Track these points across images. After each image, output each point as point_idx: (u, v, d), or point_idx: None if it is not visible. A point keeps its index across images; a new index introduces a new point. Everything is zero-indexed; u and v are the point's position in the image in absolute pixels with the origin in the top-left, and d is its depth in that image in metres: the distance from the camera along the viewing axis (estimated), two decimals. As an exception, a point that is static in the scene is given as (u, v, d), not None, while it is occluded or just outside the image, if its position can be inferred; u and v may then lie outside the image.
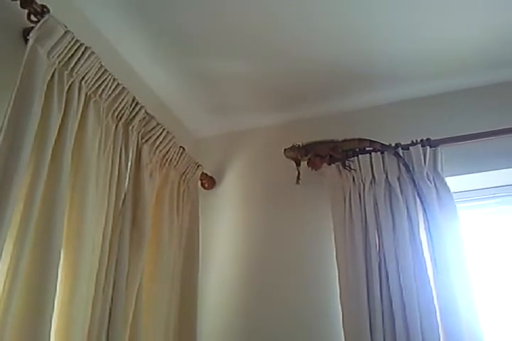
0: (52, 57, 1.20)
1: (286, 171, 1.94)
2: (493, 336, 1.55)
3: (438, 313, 1.45)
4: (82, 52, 1.27)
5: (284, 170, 1.95)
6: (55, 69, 1.21)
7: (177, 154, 1.72)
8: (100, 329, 1.24)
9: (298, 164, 1.86)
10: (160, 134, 1.60)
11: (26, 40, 1.17)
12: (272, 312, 1.74)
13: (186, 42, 1.70)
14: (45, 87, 1.17)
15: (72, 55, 1.25)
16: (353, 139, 1.79)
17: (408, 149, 1.71)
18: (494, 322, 1.60)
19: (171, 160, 1.69)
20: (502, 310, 1.64)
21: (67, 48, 1.23)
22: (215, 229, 1.96)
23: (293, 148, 1.84)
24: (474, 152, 1.73)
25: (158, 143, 1.60)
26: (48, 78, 1.18)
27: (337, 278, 1.59)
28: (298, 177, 1.85)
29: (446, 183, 1.65)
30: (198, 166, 1.88)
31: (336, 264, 1.62)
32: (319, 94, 1.95)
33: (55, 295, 1.09)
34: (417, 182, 1.64)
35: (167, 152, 1.66)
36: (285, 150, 1.85)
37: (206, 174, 2.00)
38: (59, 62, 1.22)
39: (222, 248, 1.92)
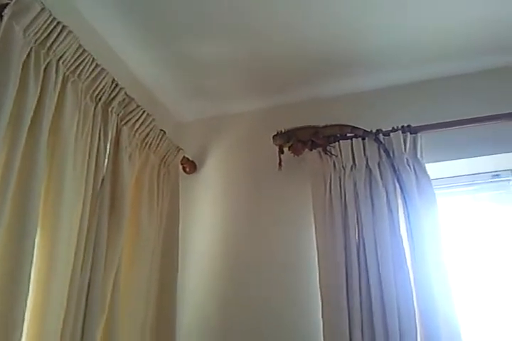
0: (28, 35, 1.17)
1: (268, 157, 1.94)
2: (467, 320, 1.57)
3: (415, 297, 1.47)
4: (60, 31, 1.24)
5: (265, 156, 1.95)
6: (31, 48, 1.18)
7: (157, 137, 1.70)
8: (77, 311, 1.23)
9: (281, 151, 1.86)
10: (140, 117, 1.58)
11: (1, 17, 1.13)
12: (250, 295, 1.75)
13: (168, 24, 1.67)
14: (21, 65, 1.14)
15: (50, 34, 1.22)
16: (335, 125, 1.79)
17: (389, 135, 1.72)
18: (469, 307, 1.63)
19: (151, 143, 1.68)
20: (477, 295, 1.67)
21: (44, 26, 1.20)
22: (196, 213, 1.96)
23: (277, 135, 1.84)
24: (453, 139, 1.75)
25: (138, 125, 1.58)
26: (24, 57, 1.15)
27: (316, 262, 1.60)
28: (280, 164, 1.84)
29: (425, 169, 1.67)
30: (179, 150, 1.87)
31: (315, 249, 1.63)
32: (301, 80, 1.95)
33: (29, 278, 1.07)
34: (396, 168, 1.65)
35: (147, 135, 1.64)
36: (274, 137, 1.84)
37: (187, 158, 1.99)
38: (35, 41, 1.19)
39: (203, 233, 1.92)
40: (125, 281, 1.44)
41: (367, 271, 1.52)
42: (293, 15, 1.63)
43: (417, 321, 1.44)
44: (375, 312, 1.46)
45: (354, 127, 1.76)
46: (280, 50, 1.79)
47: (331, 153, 1.73)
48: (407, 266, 1.51)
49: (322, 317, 1.52)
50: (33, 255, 1.09)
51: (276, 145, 1.85)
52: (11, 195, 1.07)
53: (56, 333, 1.15)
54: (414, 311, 1.45)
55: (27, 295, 1.06)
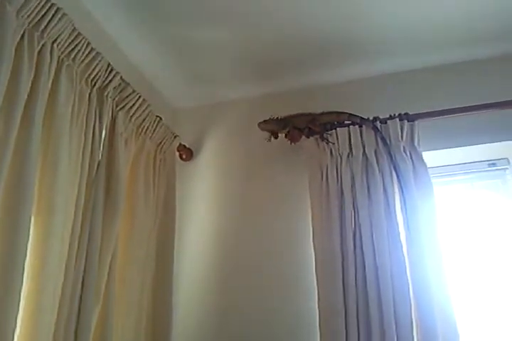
0: (22, 16, 1.15)
1: (264, 144, 1.93)
2: (462, 309, 1.58)
3: (410, 284, 1.48)
4: (54, 13, 1.22)
5: (262, 143, 1.93)
6: (24, 30, 1.16)
7: (153, 123, 1.69)
8: (72, 301, 1.22)
9: (275, 136, 1.84)
10: (136, 102, 1.56)
11: (-7, -2, 1.12)
12: (246, 279, 1.76)
13: (165, 11, 1.65)
14: (14, 47, 1.12)
15: (43, 16, 1.19)
16: (332, 112, 1.78)
17: (386, 123, 1.71)
18: (464, 295, 1.64)
19: (147, 129, 1.66)
20: (472, 283, 1.68)
21: (38, 8, 1.17)
22: (192, 201, 1.95)
23: (270, 120, 1.82)
24: (450, 127, 1.75)
25: (133, 110, 1.56)
26: (18, 39, 1.14)
27: (313, 250, 1.60)
28: (269, 139, 1.83)
29: (422, 158, 1.66)
30: (175, 137, 1.85)
31: (311, 236, 1.63)
32: (299, 66, 1.93)
33: (24, 265, 1.06)
34: (393, 156, 1.64)
35: (143, 120, 1.63)
36: (260, 123, 1.83)
37: (184, 145, 1.98)
38: (29, 23, 1.17)
39: (199, 220, 1.91)
40: (120, 268, 1.44)
41: (363, 258, 1.52)
42: (291, 2, 1.61)
43: (412, 308, 1.45)
44: (370, 299, 1.46)
45: (351, 114, 1.75)
46: (278, 36, 1.77)
47: (327, 141, 1.72)
48: (402, 254, 1.51)
49: (318, 299, 1.52)
50: (27, 243, 1.08)
51: (262, 130, 1.83)
52: (5, 181, 1.06)
53: (51, 323, 1.14)
54: (410, 298, 1.46)
55: (21, 284, 1.05)
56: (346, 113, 1.76)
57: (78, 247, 1.26)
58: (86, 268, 1.27)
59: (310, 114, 1.80)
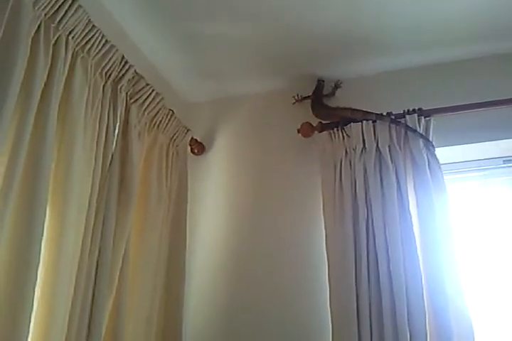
0: (38, 8, 1.15)
1: (276, 138, 1.94)
2: (477, 308, 1.56)
3: (424, 282, 1.46)
4: (69, 5, 1.22)
5: (274, 138, 1.94)
6: (41, 22, 1.16)
7: (166, 117, 1.69)
8: (86, 292, 1.23)
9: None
10: (149, 95, 1.56)
11: (10, -11, 1.12)
12: (258, 274, 1.75)
13: (179, 4, 1.64)
14: (31, 39, 1.12)
15: (59, 8, 1.20)
16: (346, 108, 1.77)
17: (403, 117, 1.68)
18: (478, 293, 1.62)
19: (159, 122, 1.66)
20: (487, 282, 1.66)
21: (54, 0, 1.18)
22: (204, 195, 1.95)
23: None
24: (464, 123, 1.72)
25: (147, 104, 1.56)
26: (34, 30, 1.14)
27: (325, 246, 1.60)
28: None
29: (435, 154, 1.65)
30: (188, 131, 1.85)
31: (323, 231, 1.62)
32: (311, 61, 1.92)
33: (39, 255, 1.08)
34: (409, 152, 1.63)
35: (156, 114, 1.63)
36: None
37: (196, 140, 1.98)
38: (45, 14, 1.18)
39: (210, 215, 1.92)
40: (134, 259, 1.45)
41: (376, 255, 1.51)
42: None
43: (426, 306, 1.44)
44: (383, 296, 1.45)
45: (366, 112, 1.72)
46: (291, 31, 1.75)
47: (344, 132, 1.70)
48: (416, 250, 1.50)
49: (330, 298, 1.52)
50: (42, 233, 1.09)
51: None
52: (21, 173, 1.07)
53: (65, 312, 1.16)
54: (423, 295, 1.44)
55: (36, 273, 1.06)
56: (360, 110, 1.73)
57: (92, 237, 1.27)
58: (100, 258, 1.29)
59: (325, 106, 1.80)
